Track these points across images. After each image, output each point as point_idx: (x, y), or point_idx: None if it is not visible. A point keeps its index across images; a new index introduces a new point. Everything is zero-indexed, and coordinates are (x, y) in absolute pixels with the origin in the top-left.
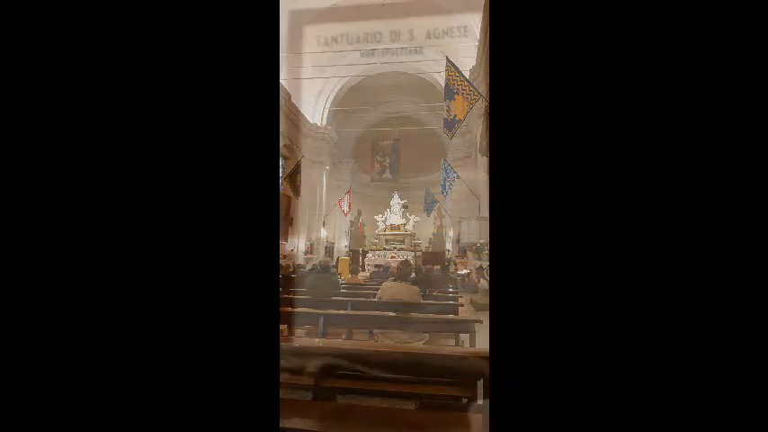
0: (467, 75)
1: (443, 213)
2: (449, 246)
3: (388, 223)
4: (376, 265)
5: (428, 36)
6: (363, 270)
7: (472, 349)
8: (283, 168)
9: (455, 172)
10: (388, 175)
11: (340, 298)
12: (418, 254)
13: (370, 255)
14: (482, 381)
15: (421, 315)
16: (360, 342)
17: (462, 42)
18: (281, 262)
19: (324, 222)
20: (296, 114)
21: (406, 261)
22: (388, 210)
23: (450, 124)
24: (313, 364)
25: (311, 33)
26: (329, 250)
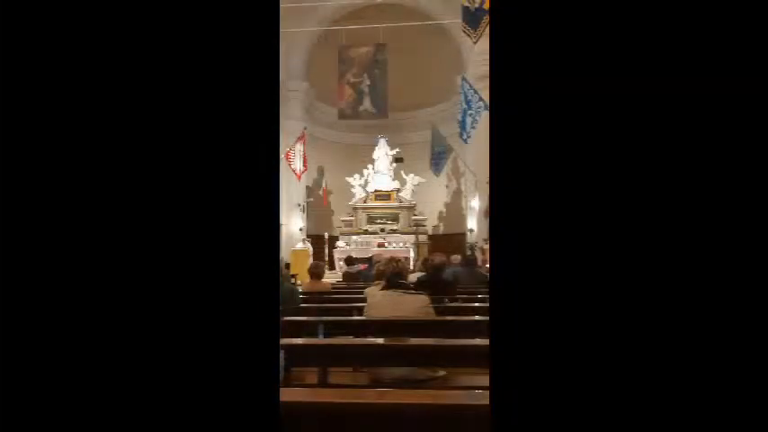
0: None
1: (462, 170)
2: (472, 224)
3: (370, 189)
4: (349, 260)
5: None
6: (332, 268)
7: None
8: None
9: (482, 99)
10: (368, 107)
11: (302, 318)
12: (422, 239)
13: (341, 243)
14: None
15: (431, 341)
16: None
17: None
18: None
19: None
20: None
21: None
22: (371, 167)
23: (475, 17)
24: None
25: None
26: None
